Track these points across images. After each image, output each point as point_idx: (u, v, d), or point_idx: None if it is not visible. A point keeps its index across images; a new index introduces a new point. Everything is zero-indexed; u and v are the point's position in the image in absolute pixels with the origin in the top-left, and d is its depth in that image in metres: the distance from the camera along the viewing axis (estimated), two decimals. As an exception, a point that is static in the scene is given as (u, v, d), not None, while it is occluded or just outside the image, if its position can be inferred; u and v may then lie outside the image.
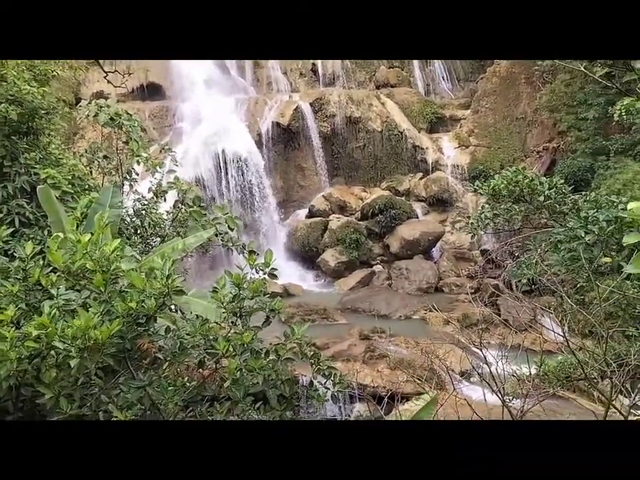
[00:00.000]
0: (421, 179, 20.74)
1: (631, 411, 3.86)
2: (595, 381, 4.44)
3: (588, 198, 5.32)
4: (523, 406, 4.18)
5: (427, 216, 20.06)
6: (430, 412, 2.86)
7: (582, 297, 7.32)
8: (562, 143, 19.36)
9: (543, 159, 19.75)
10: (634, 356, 3.94)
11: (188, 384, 4.50)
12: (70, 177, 6.41)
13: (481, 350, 5.15)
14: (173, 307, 4.69)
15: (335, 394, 4.35)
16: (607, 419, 3.54)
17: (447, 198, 19.96)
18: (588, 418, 7.79)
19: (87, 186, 6.72)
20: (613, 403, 3.47)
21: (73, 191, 6.17)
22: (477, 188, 6.30)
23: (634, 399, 3.77)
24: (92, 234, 4.01)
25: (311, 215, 19.81)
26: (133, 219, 6.86)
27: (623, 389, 3.79)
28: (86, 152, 7.92)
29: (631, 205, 2.69)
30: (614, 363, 3.72)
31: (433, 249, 19.10)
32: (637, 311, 5.90)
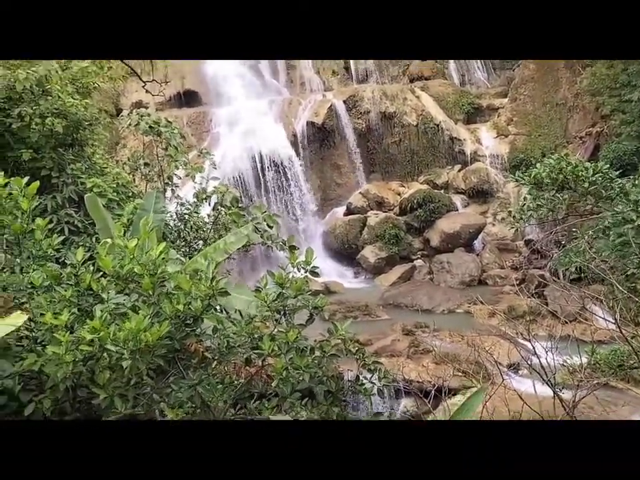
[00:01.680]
0: (459, 171, 20.44)
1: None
2: (650, 369, 4.30)
3: (636, 182, 5.12)
4: (575, 396, 4.08)
5: (467, 208, 19.74)
6: (478, 401, 2.82)
7: (633, 285, 7.07)
8: (605, 127, 18.73)
9: (586, 145, 19.15)
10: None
11: (236, 382, 4.59)
12: (114, 185, 6.61)
13: (529, 341, 5.06)
14: (218, 307, 4.79)
15: (381, 388, 4.35)
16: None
17: (487, 189, 19.61)
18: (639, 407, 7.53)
19: (131, 193, 6.92)
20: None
21: (118, 199, 6.37)
22: (518, 178, 6.15)
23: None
24: (138, 239, 4.14)
25: (348, 212, 19.79)
26: (177, 223, 7.02)
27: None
28: (128, 160, 8.16)
29: None
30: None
31: (475, 241, 18.79)
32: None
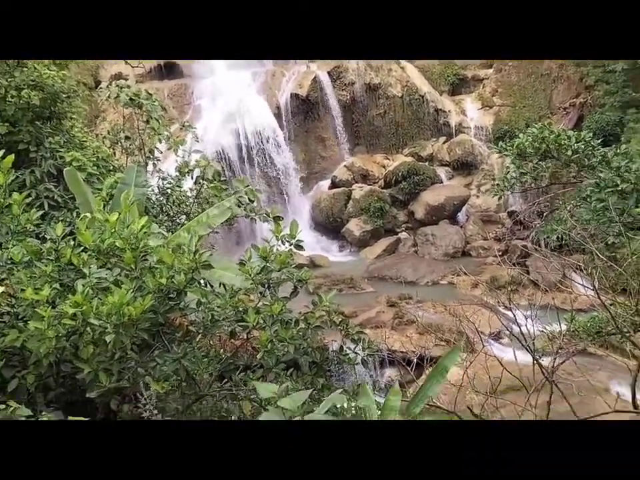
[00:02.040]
0: (444, 143, 20.40)
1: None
2: (628, 334, 4.40)
3: (618, 150, 5.16)
4: (554, 362, 4.17)
5: (452, 180, 19.79)
6: (452, 361, 2.87)
7: (613, 254, 7.19)
8: (589, 97, 18.77)
9: (570, 115, 19.21)
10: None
11: (221, 355, 4.62)
12: (94, 159, 6.49)
13: (510, 309, 5.14)
14: (202, 281, 4.78)
15: (365, 358, 4.42)
16: (639, 371, 3.52)
17: (472, 161, 19.63)
18: (621, 374, 7.74)
19: (112, 167, 6.81)
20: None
21: (98, 173, 6.26)
22: (502, 149, 6.16)
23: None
24: (119, 213, 4.09)
25: (333, 185, 19.73)
26: (159, 198, 6.94)
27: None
28: (108, 133, 8.01)
29: None
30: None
31: (459, 214, 18.89)
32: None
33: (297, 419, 2.13)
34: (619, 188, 4.18)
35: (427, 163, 19.80)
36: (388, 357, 9.35)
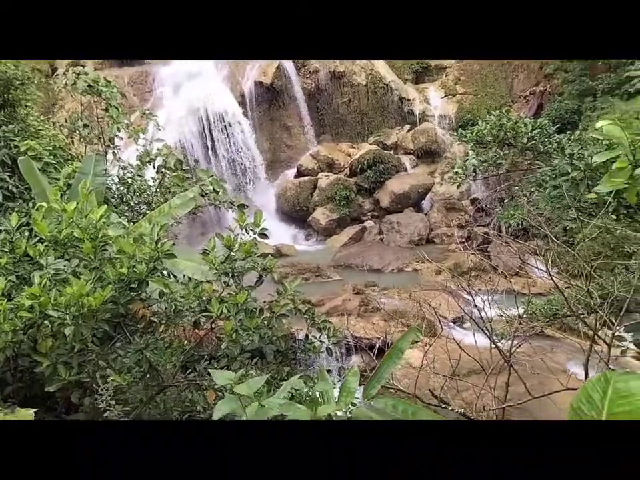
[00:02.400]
0: (408, 131, 20.57)
1: (615, 341, 3.99)
2: (582, 316, 4.56)
3: (573, 137, 5.31)
4: (511, 345, 4.29)
5: (416, 168, 19.99)
6: (408, 341, 2.92)
7: (571, 239, 7.41)
8: (549, 86, 19.18)
9: (530, 104, 19.60)
10: (616, 287, 4.03)
11: (185, 345, 4.58)
12: (51, 148, 6.31)
13: (471, 295, 5.25)
14: (165, 272, 4.72)
15: (330, 347, 4.45)
16: (592, 350, 3.66)
17: (436, 149, 19.86)
18: (576, 355, 8.00)
19: (69, 156, 6.63)
20: (598, 334, 3.57)
21: (55, 162, 6.09)
22: (461, 136, 6.25)
23: (615, 329, 3.88)
24: (77, 203, 4.00)
25: (299, 174, 19.68)
26: (119, 187, 6.80)
27: (607, 320, 3.89)
28: (66, 122, 7.78)
29: (599, 124, 2.69)
30: (598, 295, 3.80)
31: (423, 201, 19.13)
32: (624, 249, 5.99)
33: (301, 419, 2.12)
34: (571, 175, 4.31)
35: (391, 152, 19.94)
36: (354, 344, 9.44)
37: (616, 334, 4.22)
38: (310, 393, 2.78)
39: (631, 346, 4.17)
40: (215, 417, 2.22)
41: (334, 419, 2.25)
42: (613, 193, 3.45)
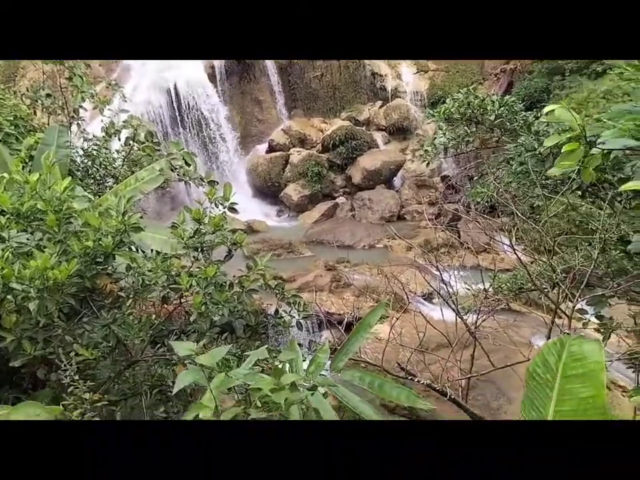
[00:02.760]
0: (380, 107, 20.52)
1: (576, 314, 4.11)
2: (546, 290, 4.67)
3: (539, 114, 5.38)
4: (477, 319, 4.37)
5: (388, 145, 20.01)
6: (376, 315, 2.96)
7: (538, 216, 7.55)
8: (519, 64, 19.29)
9: (501, 82, 19.72)
10: (578, 261, 4.15)
11: (153, 320, 4.53)
12: (12, 118, 6.07)
13: (439, 271, 5.33)
14: (133, 247, 4.64)
15: (300, 321, 4.47)
16: (554, 323, 3.76)
17: (407, 126, 19.88)
18: (540, 329, 8.24)
19: (32, 127, 6.41)
20: (560, 307, 3.68)
21: (16, 133, 5.87)
22: (429, 115, 6.28)
23: (576, 302, 4.00)
24: (41, 175, 3.88)
25: (271, 149, 19.50)
26: (84, 160, 6.61)
27: (568, 293, 4.01)
28: (28, 91, 7.49)
29: (547, 109, 2.72)
30: (561, 270, 3.90)
31: (395, 178, 19.21)
32: (589, 227, 6.13)
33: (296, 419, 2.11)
34: (537, 151, 4.38)
35: (363, 128, 19.89)
36: (325, 319, 9.52)
37: (577, 307, 4.35)
38: (276, 364, 2.80)
39: (593, 319, 4.31)
40: (176, 389, 2.21)
41: (300, 390, 2.26)
42: (576, 171, 3.52)
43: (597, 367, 2.16)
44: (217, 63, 18.89)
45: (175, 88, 17.65)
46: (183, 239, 3.97)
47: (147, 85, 17.41)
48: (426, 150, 6.46)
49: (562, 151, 2.60)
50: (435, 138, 6.34)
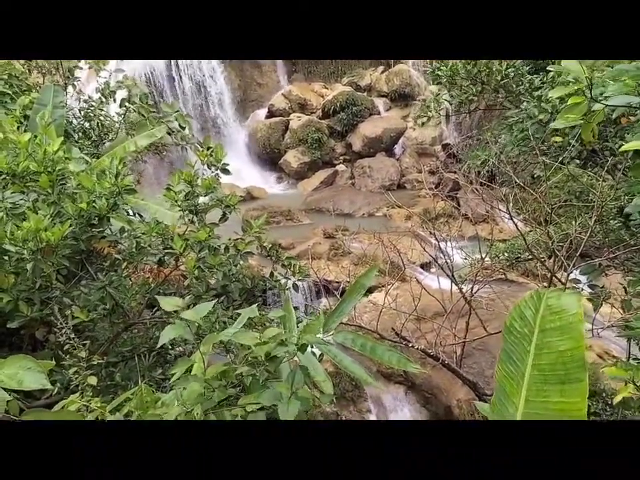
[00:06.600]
0: (382, 72, 20.16)
1: (571, 284, 4.12)
2: (542, 259, 4.67)
3: (545, 79, 5.28)
4: (472, 287, 4.38)
5: (389, 112, 19.73)
6: (369, 277, 2.97)
7: (538, 187, 7.50)
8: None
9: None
10: (574, 229, 4.13)
11: (150, 283, 4.55)
12: (6, 77, 5.97)
13: (437, 240, 5.32)
14: (130, 211, 4.61)
15: (296, 283, 4.47)
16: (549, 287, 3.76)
17: (409, 92, 19.56)
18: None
19: (26, 86, 6.29)
20: (556, 276, 3.67)
21: (10, 92, 5.77)
22: (435, 69, 6.13)
23: (570, 270, 4.00)
24: (35, 136, 3.83)
25: (270, 114, 19.24)
26: (81, 121, 6.52)
27: (564, 262, 4.00)
28: (22, 50, 7.33)
29: (562, 64, 2.67)
30: (557, 239, 3.89)
31: (395, 146, 19.01)
32: (589, 198, 6.10)
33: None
34: (539, 118, 4.30)
35: (365, 93, 19.59)
36: (322, 286, 9.56)
37: (573, 277, 4.35)
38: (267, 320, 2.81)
39: (586, 288, 4.32)
40: (161, 342, 2.23)
41: (287, 349, 2.27)
42: (577, 136, 3.46)
43: (575, 319, 2.14)
44: (217, 25, 18.48)
45: (174, 50, 17.30)
46: (176, 201, 3.94)
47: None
48: (428, 106, 6.35)
49: (567, 104, 2.56)
50: (438, 94, 6.22)
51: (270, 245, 4.34)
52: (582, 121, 2.52)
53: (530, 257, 5.16)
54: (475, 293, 4.48)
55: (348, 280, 9.34)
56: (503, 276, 7.20)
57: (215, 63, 18.10)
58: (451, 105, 6.02)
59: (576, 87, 2.55)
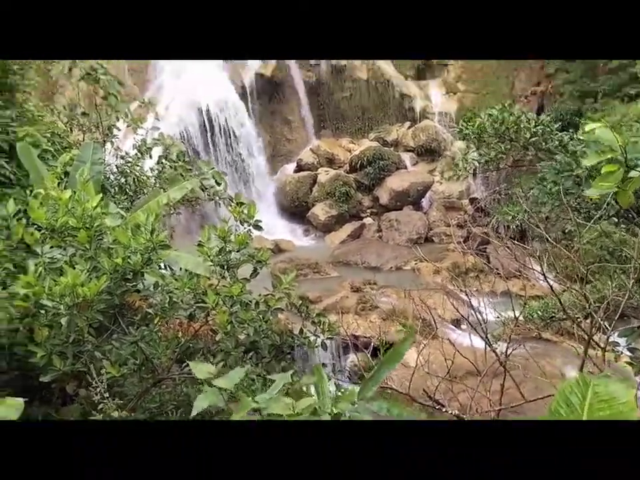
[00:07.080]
0: (409, 128, 20.52)
1: (609, 347, 3.96)
2: (579, 320, 4.53)
3: (575, 136, 5.27)
4: (506, 348, 4.25)
5: (416, 166, 19.95)
6: (407, 344, 2.90)
7: (570, 242, 7.39)
8: (550, 86, 19.14)
9: (531, 104, 19.56)
10: (611, 290, 4.00)
11: (180, 338, 4.54)
12: (49, 135, 6.24)
13: (467, 296, 5.23)
14: (162, 264, 4.67)
15: (325, 341, 4.42)
16: (587, 355, 3.63)
17: (436, 147, 19.81)
18: (573, 359, 8.00)
19: (67, 144, 6.56)
20: (593, 338, 3.54)
21: (52, 149, 6.01)
22: (462, 127, 6.19)
23: (610, 334, 3.86)
24: (75, 192, 3.95)
25: (299, 168, 19.63)
26: (117, 177, 6.74)
27: (601, 324, 3.86)
28: (64, 109, 7.71)
29: (589, 127, 2.65)
30: (594, 299, 3.77)
31: (422, 200, 19.10)
32: (623, 254, 5.97)
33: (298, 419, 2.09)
34: (574, 173, 4.28)
35: (392, 148, 19.90)
36: (351, 342, 9.42)
37: (611, 339, 4.20)
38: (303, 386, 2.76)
39: (626, 351, 4.16)
40: (194, 413, 2.18)
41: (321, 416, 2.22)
42: (612, 195, 3.41)
43: (625, 409, 2.05)
44: (248, 82, 19.20)
45: (207, 107, 17.96)
46: (209, 256, 3.99)
47: (179, 103, 17.76)
48: (457, 164, 6.38)
49: (601, 172, 2.53)
50: (467, 152, 6.25)
51: (300, 302, 4.32)
52: (617, 189, 2.48)
53: (565, 317, 5.01)
54: (509, 354, 4.34)
55: (377, 336, 9.19)
56: (537, 335, 6.98)
57: (246, 118, 18.68)
58: (479, 163, 6.04)
59: (609, 155, 2.53)
